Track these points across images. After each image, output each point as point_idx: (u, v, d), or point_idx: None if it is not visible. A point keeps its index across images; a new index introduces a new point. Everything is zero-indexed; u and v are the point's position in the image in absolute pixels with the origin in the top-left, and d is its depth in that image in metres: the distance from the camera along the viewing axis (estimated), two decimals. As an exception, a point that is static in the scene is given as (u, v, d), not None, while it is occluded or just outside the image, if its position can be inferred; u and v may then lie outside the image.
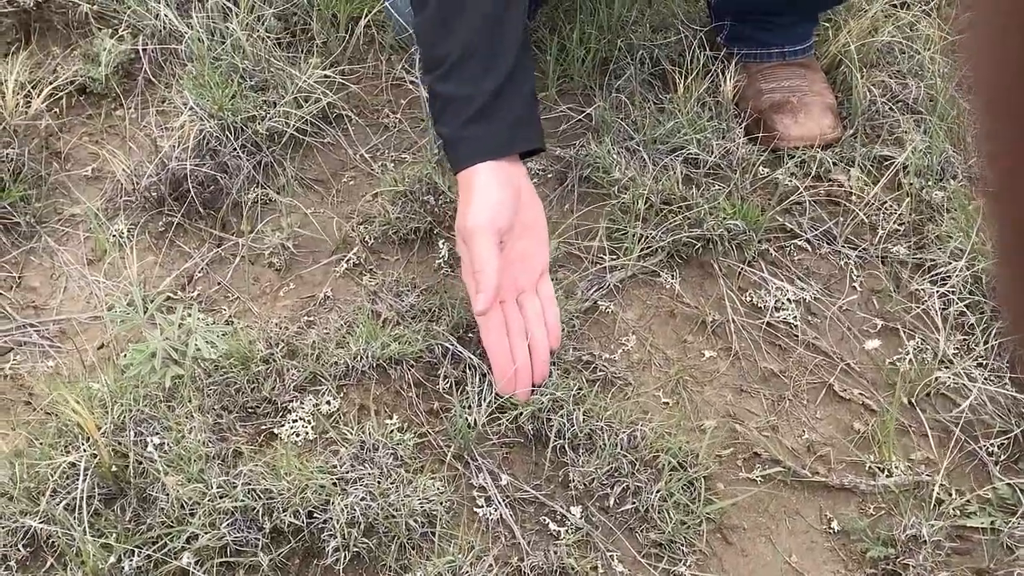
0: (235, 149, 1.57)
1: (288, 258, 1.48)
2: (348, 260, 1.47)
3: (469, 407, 1.22)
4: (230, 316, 1.40)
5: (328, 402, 1.24)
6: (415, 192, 1.52)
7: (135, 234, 1.52)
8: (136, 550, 1.05)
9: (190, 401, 1.18)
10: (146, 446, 1.11)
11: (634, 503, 1.17)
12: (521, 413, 1.22)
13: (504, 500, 1.17)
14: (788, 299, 1.42)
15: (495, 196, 1.21)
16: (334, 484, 1.11)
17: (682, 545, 1.15)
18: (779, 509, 1.20)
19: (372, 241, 1.50)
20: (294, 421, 1.22)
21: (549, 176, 1.61)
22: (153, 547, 1.07)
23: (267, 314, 1.40)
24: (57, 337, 1.39)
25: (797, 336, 1.38)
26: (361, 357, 1.27)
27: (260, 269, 1.48)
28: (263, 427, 1.22)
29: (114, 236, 1.49)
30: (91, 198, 1.58)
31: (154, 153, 1.53)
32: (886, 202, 1.55)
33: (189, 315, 1.19)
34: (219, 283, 1.45)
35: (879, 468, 1.23)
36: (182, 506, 1.08)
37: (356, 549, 1.08)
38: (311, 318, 1.39)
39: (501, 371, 1.22)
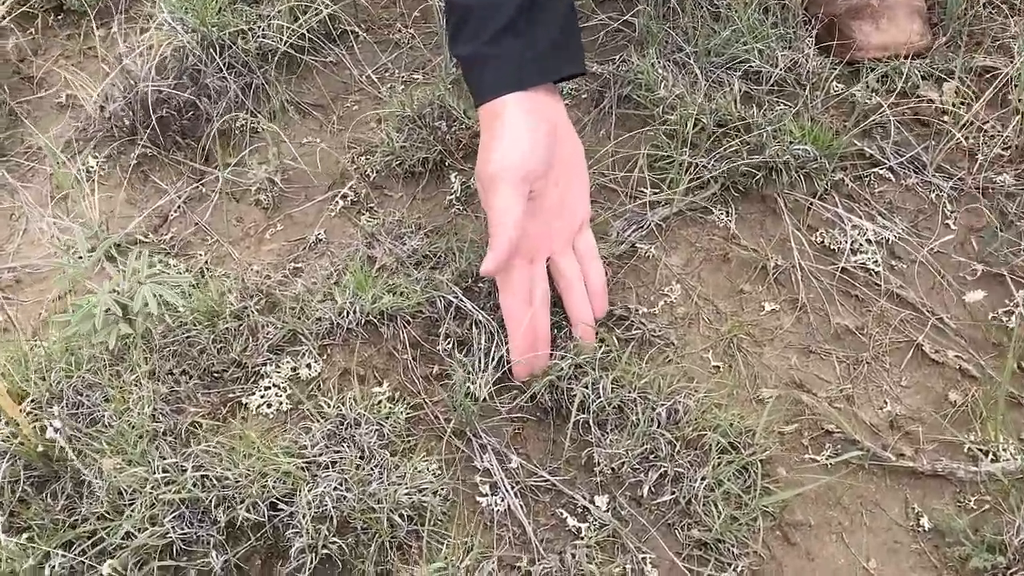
0: (220, 69, 1.36)
1: (277, 195, 1.28)
2: (345, 197, 1.26)
3: (473, 372, 1.01)
4: (206, 262, 1.20)
5: (308, 365, 1.04)
6: (425, 117, 1.30)
7: (106, 168, 1.32)
8: (61, 551, 0.87)
9: (140, 365, 0.99)
10: (68, 424, 0.92)
11: (673, 493, 0.95)
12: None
13: (513, 488, 0.96)
14: (867, 240, 1.17)
15: (526, 135, 0.98)
16: (303, 469, 0.91)
17: (732, 546, 0.93)
18: (854, 501, 0.97)
19: (374, 175, 1.29)
20: (266, 389, 1.02)
21: (583, 96, 1.37)
22: (88, 542, 0.89)
23: (249, 259, 1.20)
24: (11, 287, 1.21)
25: (878, 285, 1.14)
26: (348, 312, 1.06)
27: (245, 207, 1.28)
28: (230, 396, 1.02)
29: (81, 171, 1.30)
30: (61, 128, 1.39)
31: (123, 76, 1.32)
32: (988, 122, 1.28)
33: (140, 261, 0.99)
34: (196, 224, 1.25)
35: (982, 450, 0.99)
36: (120, 494, 0.89)
37: (326, 550, 0.88)
38: (299, 264, 1.19)
39: (518, 346, 1.01)
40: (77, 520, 0.90)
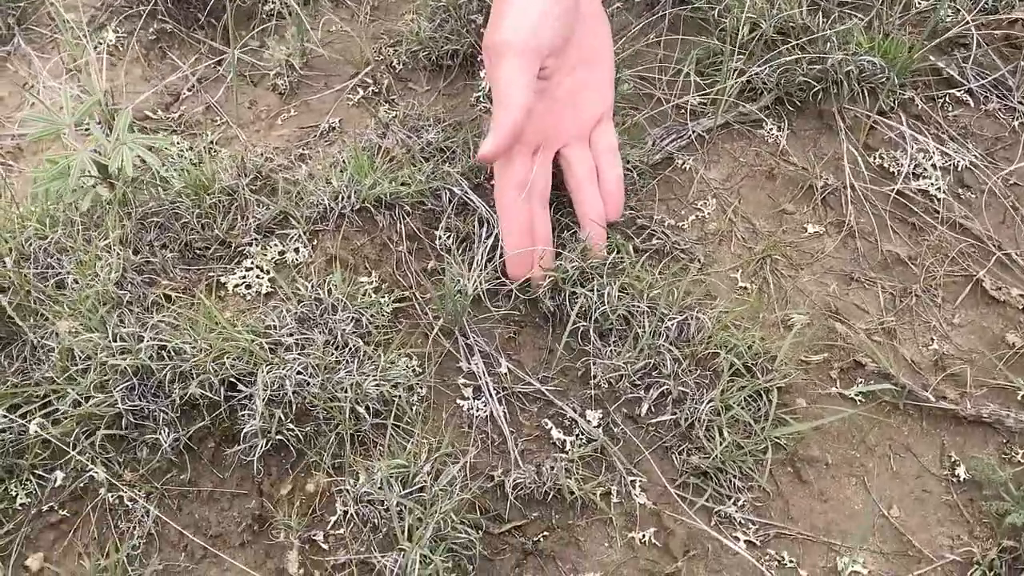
0: (251, -52, 1.29)
1: (295, 81, 1.20)
2: (366, 86, 1.18)
3: (470, 268, 0.92)
4: (211, 142, 1.13)
5: (296, 250, 0.96)
6: (461, 7, 1.20)
7: (124, 43, 1.26)
8: (7, 413, 0.81)
9: (113, 230, 0.92)
10: (49, 279, 0.86)
11: (675, 414, 0.85)
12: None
13: (498, 393, 0.87)
14: (933, 164, 1.04)
15: (541, 4, 0.88)
16: (268, 350, 0.83)
17: (734, 476, 0.83)
18: (882, 441, 0.86)
19: (400, 66, 1.20)
20: (247, 270, 0.94)
21: (636, 0, 1.25)
22: (37, 405, 0.83)
23: (257, 143, 1.13)
24: (12, 153, 1.16)
25: (939, 212, 1.01)
26: (343, 196, 0.98)
27: (261, 92, 1.20)
28: (209, 273, 0.95)
29: (94, 43, 1.24)
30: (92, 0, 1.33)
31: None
32: (1090, 48, 1.13)
33: (122, 121, 0.92)
34: (207, 104, 1.18)
35: (1037, 399, 0.87)
36: (73, 359, 0.83)
37: (280, 436, 0.81)
38: (306, 151, 1.11)
39: (513, 242, 0.91)
40: (29, 383, 0.84)
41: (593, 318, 0.89)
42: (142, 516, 0.81)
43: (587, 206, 0.93)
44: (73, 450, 0.81)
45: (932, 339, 0.92)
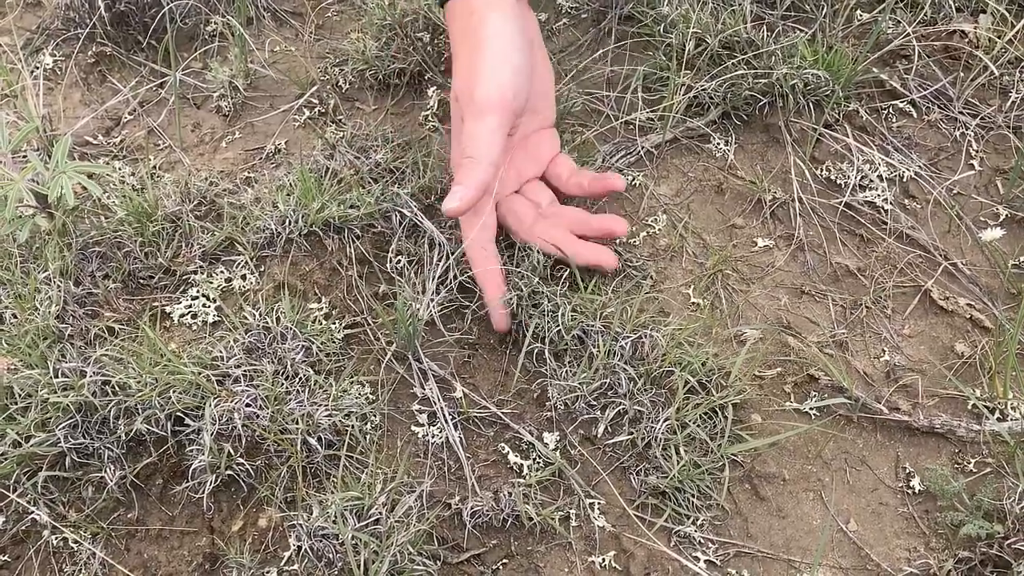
0: (191, -32, 1.26)
1: (239, 102, 1.18)
2: (312, 107, 1.16)
3: (423, 291, 0.91)
4: (154, 167, 1.10)
5: (244, 276, 0.94)
6: (407, 26, 1.19)
7: (63, 67, 1.23)
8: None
9: (52, 262, 0.89)
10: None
11: (631, 434, 0.85)
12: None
13: (453, 418, 0.86)
14: (879, 175, 1.05)
15: (515, 58, 0.87)
16: (215, 382, 0.81)
17: (692, 496, 0.82)
18: (837, 456, 0.86)
19: (346, 86, 1.18)
20: (193, 298, 0.92)
21: (583, 16, 1.25)
22: (-24, 449, 0.80)
23: (201, 167, 1.10)
24: (-54, 184, 1.12)
25: (886, 224, 1.02)
26: (289, 221, 0.96)
27: (205, 114, 1.18)
28: (154, 303, 0.93)
29: (29, 68, 1.21)
30: (25, 24, 1.30)
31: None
32: (1027, 58, 1.15)
33: (61, 150, 0.90)
34: (150, 128, 1.16)
35: (987, 407, 0.88)
36: (12, 397, 0.81)
37: (230, 472, 0.79)
38: (252, 174, 1.09)
39: (493, 294, 0.89)
40: (-33, 424, 0.81)
41: (548, 339, 0.88)
42: (88, 558, 0.78)
43: (575, 222, 0.94)
44: (13, 492, 0.78)
45: (883, 351, 0.93)
